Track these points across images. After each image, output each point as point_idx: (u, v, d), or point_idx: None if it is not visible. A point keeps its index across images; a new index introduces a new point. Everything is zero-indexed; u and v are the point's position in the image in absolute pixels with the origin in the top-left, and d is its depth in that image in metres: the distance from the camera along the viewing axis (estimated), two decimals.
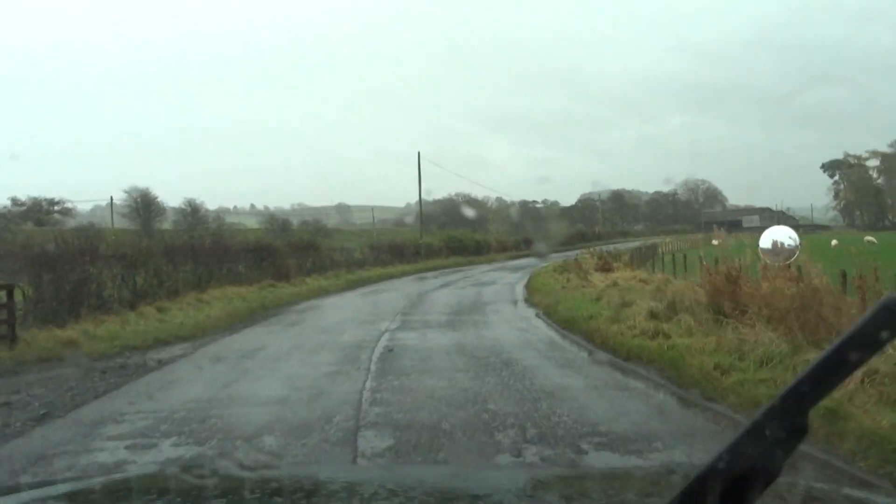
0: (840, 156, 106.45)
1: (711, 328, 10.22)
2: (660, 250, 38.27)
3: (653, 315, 12.13)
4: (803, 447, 4.59)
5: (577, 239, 61.97)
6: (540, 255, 41.43)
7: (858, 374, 6.73)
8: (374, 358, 10.66)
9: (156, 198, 58.50)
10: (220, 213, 71.07)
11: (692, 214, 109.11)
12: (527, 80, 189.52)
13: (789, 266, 10.37)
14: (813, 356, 7.80)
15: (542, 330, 14.11)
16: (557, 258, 34.09)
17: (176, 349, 12.28)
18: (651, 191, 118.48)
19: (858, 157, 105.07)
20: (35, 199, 52.69)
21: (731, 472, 0.94)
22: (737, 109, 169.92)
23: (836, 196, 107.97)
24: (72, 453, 6.18)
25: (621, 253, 33.13)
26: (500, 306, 18.83)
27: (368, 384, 8.67)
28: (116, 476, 3.25)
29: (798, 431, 0.95)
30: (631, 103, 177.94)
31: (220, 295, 20.25)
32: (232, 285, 22.23)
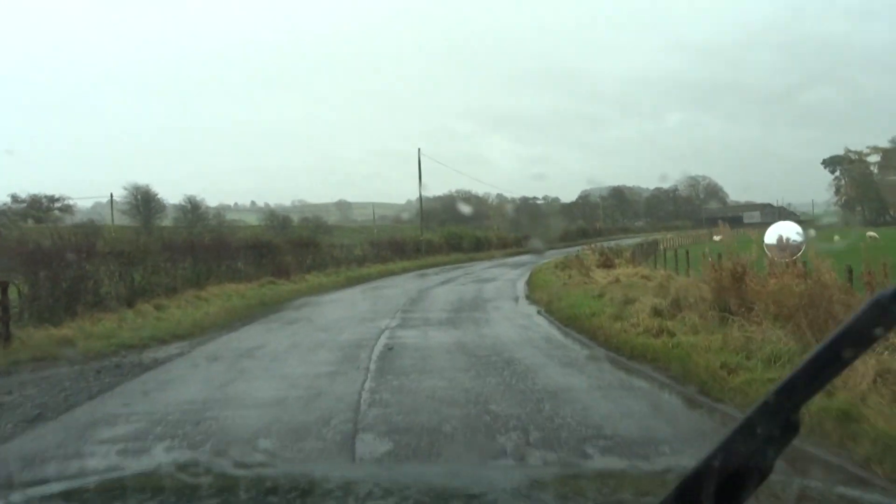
0: (841, 151, 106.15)
1: (717, 326, 10.04)
2: (661, 246, 38.11)
3: (656, 312, 11.94)
4: (816, 451, 4.41)
5: (578, 235, 61.93)
6: (536, 252, 41.23)
7: (871, 373, 6.56)
8: (374, 357, 10.48)
9: (156, 195, 58.47)
10: (221, 210, 70.94)
11: (693, 210, 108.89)
12: (526, 79, 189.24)
13: (795, 262, 10.19)
14: None
15: (544, 327, 13.94)
16: (558, 254, 33.95)
17: (173, 348, 12.10)
18: (651, 187, 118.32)
19: (859, 153, 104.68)
20: (35, 196, 52.64)
21: (725, 470, 0.93)
22: (736, 106, 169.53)
23: (838, 192, 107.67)
24: (61, 458, 6.00)
25: (623, 249, 32.97)
26: (501, 303, 18.66)
27: (367, 384, 8.49)
28: (111, 475, 3.08)
29: (791, 428, 0.94)
30: (630, 100, 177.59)
31: (218, 292, 20.08)
32: (231, 282, 22.06)
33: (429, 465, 5.28)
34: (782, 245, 10.80)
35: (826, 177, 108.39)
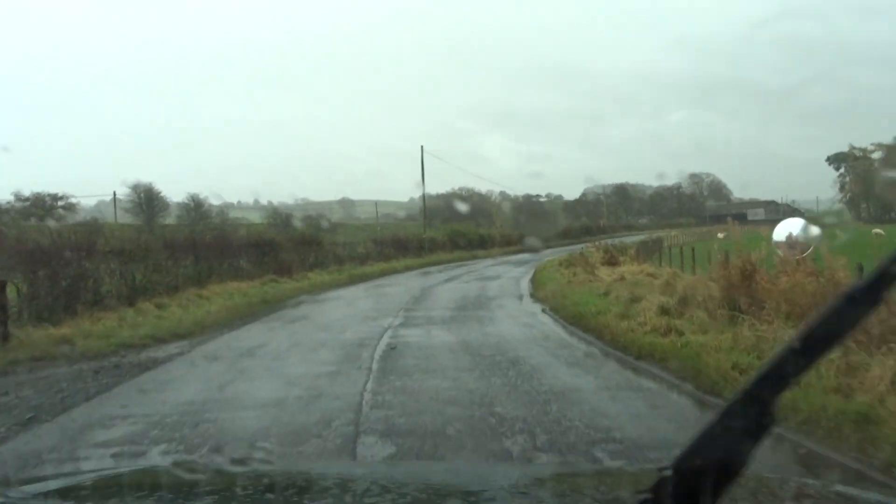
0: (845, 148, 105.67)
1: (726, 325, 9.83)
2: (666, 244, 37.91)
3: (664, 311, 11.74)
4: (835, 455, 4.20)
5: (582, 232, 61.69)
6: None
7: (889, 374, 6.37)
8: (376, 356, 10.30)
9: (159, 193, 58.29)
10: (225, 208, 70.61)
11: (696, 208, 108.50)
12: (527, 77, 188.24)
13: (805, 259, 10.00)
14: (836, 355, 7.42)
15: (549, 326, 13.75)
16: (562, 252, 33.73)
17: (173, 347, 11.93)
18: (654, 185, 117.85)
19: (864, 150, 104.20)
20: (38, 194, 52.48)
21: (702, 463, 0.92)
22: (739, 103, 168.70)
23: (842, 189, 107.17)
24: (55, 462, 5.84)
25: (627, 247, 32.73)
26: (505, 301, 18.47)
27: (369, 385, 8.31)
28: (108, 472, 3.15)
29: (767, 420, 0.93)
30: (633, 98, 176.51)
31: (220, 290, 19.93)
32: (233, 280, 21.92)
33: (426, 462, 5.21)
34: (791, 242, 10.61)
35: (830, 174, 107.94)
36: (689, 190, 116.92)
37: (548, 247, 45.54)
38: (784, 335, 8.31)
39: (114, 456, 5.89)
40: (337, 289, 24.80)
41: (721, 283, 11.03)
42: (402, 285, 25.10)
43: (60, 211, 52.68)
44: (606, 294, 15.90)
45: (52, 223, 36.73)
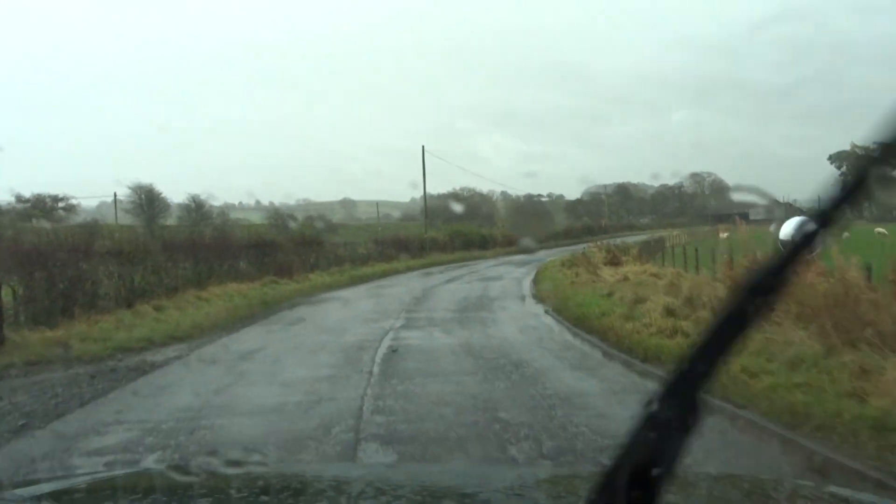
0: (846, 147, 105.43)
1: None
2: (668, 243, 37.71)
3: (669, 312, 11.54)
4: (853, 463, 4.01)
5: (583, 232, 61.47)
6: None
7: None
8: (377, 360, 10.11)
9: (160, 194, 58.14)
10: (226, 209, 70.48)
11: (699, 207, 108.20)
12: (527, 76, 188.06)
13: (814, 259, 9.78)
14: (849, 357, 7.24)
15: (553, 328, 13.56)
16: (564, 252, 33.54)
17: (171, 351, 11.75)
18: (656, 184, 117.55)
19: (866, 149, 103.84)
20: (39, 195, 52.34)
21: (635, 464, 0.90)
22: (739, 102, 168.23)
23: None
24: (46, 471, 5.65)
25: (629, 246, 32.54)
26: (507, 303, 18.28)
27: (370, 390, 8.12)
28: (102, 475, 3.12)
29: (695, 414, 0.91)
30: (633, 97, 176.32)
31: (220, 292, 19.73)
32: (233, 282, 21.70)
33: (421, 464, 5.13)
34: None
35: (832, 172, 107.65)
36: (691, 189, 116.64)
37: (549, 247, 45.38)
38: (795, 337, 8.12)
39: (107, 465, 5.72)
40: (338, 290, 24.62)
41: (727, 283, 10.84)
42: (404, 286, 24.91)
43: (61, 212, 52.57)
44: (610, 295, 15.70)
45: (45, 223, 36.54)
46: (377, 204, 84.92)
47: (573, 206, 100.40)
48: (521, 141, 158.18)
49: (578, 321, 13.36)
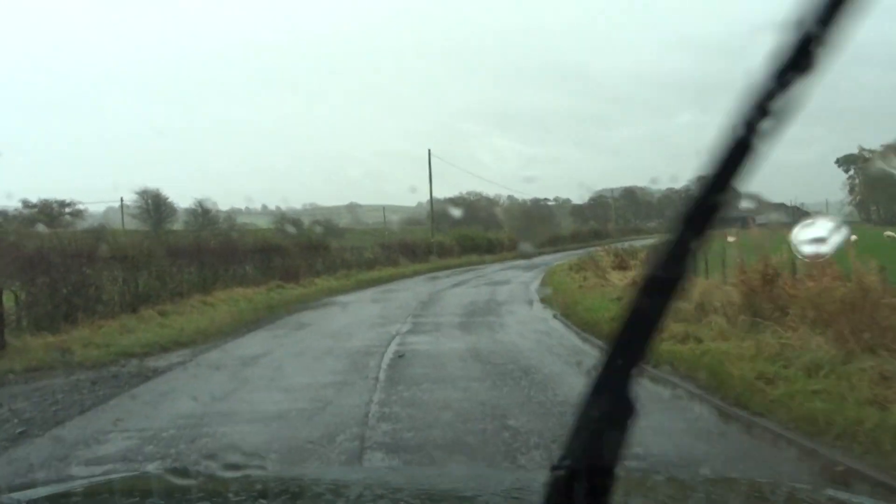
0: (854, 150, 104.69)
1: (747, 331, 9.43)
2: None
3: (680, 317, 11.33)
4: (875, 473, 3.80)
5: (590, 236, 61.22)
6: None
7: None
8: (383, 365, 9.94)
9: (167, 199, 58.21)
10: (232, 214, 70.52)
11: None
12: (527, 76, 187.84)
13: (829, 263, 9.57)
14: (869, 363, 7.03)
15: (562, 333, 13.36)
16: (572, 256, 33.31)
17: (174, 356, 11.59)
18: (663, 188, 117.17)
19: (874, 152, 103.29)
20: (45, 200, 52.41)
21: (575, 462, 0.88)
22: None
23: (852, 191, 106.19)
24: (42, 482, 5.49)
25: (637, 250, 32.28)
26: (515, 307, 18.08)
27: (376, 396, 7.95)
28: (99, 478, 3.06)
29: (626, 409, 0.89)
30: (638, 100, 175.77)
31: (225, 297, 19.59)
32: (238, 287, 21.57)
33: (419, 467, 5.07)
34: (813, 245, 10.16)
35: (839, 176, 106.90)
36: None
37: (556, 251, 45.14)
38: (811, 342, 7.91)
39: (104, 474, 5.55)
40: (344, 294, 24.46)
41: (741, 288, 10.63)
42: (410, 290, 24.73)
43: (68, 217, 52.62)
44: (619, 299, 15.48)
45: (41, 227, 36.48)
46: (384, 208, 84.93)
47: (580, 211, 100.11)
48: (522, 143, 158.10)
49: (587, 326, 13.16)
